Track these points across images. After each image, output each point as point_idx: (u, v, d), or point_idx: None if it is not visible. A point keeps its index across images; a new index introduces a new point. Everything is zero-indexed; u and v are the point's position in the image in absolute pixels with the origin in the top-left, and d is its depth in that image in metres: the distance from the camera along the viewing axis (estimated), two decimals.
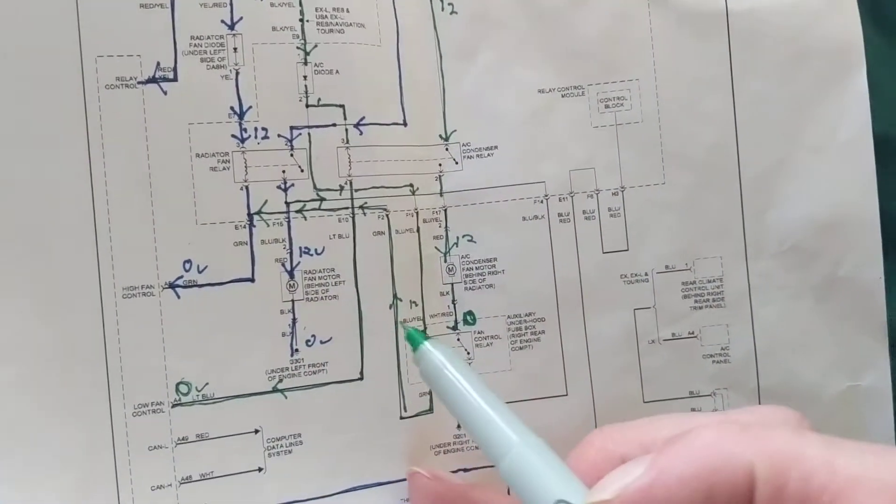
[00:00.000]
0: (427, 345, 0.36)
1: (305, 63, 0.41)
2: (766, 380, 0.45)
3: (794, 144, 0.45)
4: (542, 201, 0.45)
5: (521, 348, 0.44)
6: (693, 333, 0.45)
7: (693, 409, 0.45)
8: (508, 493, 0.39)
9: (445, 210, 0.44)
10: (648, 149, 0.45)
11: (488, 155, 0.44)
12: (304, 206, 0.41)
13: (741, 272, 0.45)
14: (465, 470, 0.44)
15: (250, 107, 0.40)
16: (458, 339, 0.44)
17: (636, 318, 0.45)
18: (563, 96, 0.45)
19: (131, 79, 0.39)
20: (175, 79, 0.39)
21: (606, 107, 0.45)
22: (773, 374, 0.45)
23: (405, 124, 0.43)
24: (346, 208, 0.42)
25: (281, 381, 0.41)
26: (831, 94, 0.44)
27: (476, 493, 0.40)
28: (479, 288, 0.44)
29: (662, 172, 0.45)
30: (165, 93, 0.39)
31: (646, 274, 0.45)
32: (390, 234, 0.42)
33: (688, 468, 0.26)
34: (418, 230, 0.43)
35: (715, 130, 0.44)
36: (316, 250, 0.41)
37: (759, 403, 0.45)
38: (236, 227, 0.40)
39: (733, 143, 0.44)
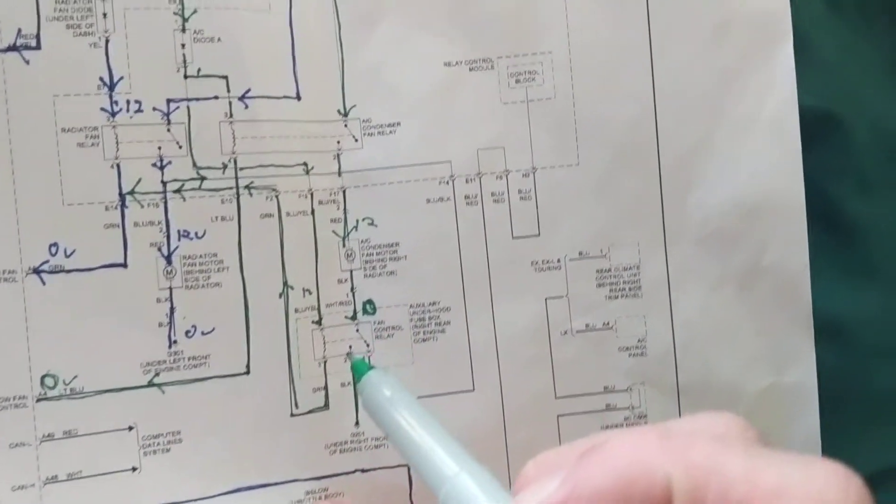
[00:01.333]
0: (372, 374, 0.35)
1: (183, 30, 0.38)
2: (685, 375, 0.42)
3: (717, 121, 0.42)
4: (447, 182, 0.42)
5: (424, 340, 0.42)
6: (608, 325, 0.42)
7: (608, 405, 0.43)
8: None
9: (344, 191, 0.41)
10: (562, 127, 0.42)
11: (390, 132, 0.41)
12: (183, 185, 0.38)
13: (659, 259, 0.42)
14: (363, 471, 0.41)
15: (122, 77, 0.37)
16: (358, 330, 0.41)
17: (548, 308, 0.42)
18: (470, 70, 0.42)
19: None
20: (38, 47, 0.36)
21: (517, 81, 0.42)
22: (692, 369, 0.42)
23: (298, 98, 0.40)
24: (230, 188, 0.39)
25: (157, 374, 0.38)
26: (757, 66, 0.42)
27: None
28: (380, 275, 0.42)
29: (577, 152, 0.42)
30: (27, 62, 0.36)
31: (558, 261, 0.42)
32: (280, 216, 0.40)
33: (603, 481, 0.25)
34: (313, 213, 0.41)
35: (632, 106, 0.42)
36: (196, 234, 0.38)
37: (679, 400, 0.43)
38: (107, 209, 0.37)
39: (652, 120, 0.42)
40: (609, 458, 0.25)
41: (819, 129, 0.43)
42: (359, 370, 0.36)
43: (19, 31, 0.36)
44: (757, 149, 0.42)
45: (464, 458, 0.30)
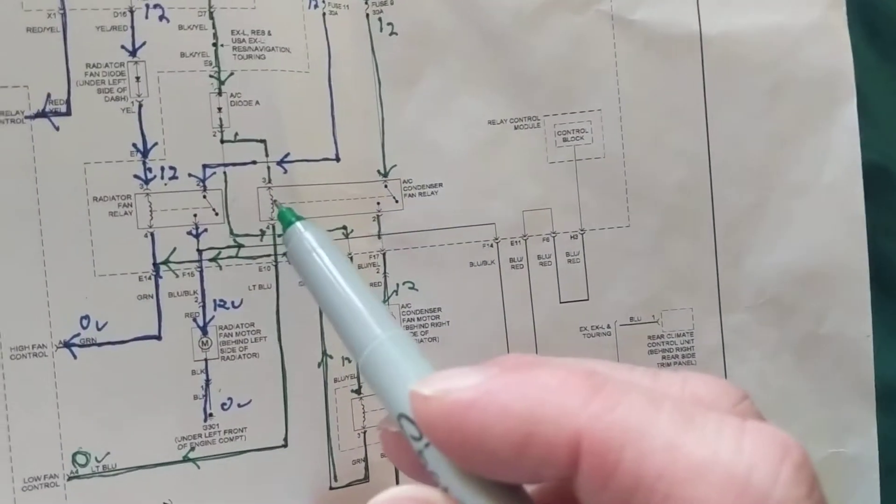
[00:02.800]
0: (299, 225, 0.31)
1: (220, 93, 0.36)
2: None
3: (774, 185, 0.40)
4: (491, 245, 0.40)
5: None
6: None
7: None
8: None
9: (384, 254, 0.40)
10: (611, 187, 0.40)
11: (432, 193, 0.40)
12: (219, 253, 0.37)
13: (714, 326, 0.40)
14: None
15: (156, 143, 0.36)
16: None
17: None
18: (515, 128, 0.40)
19: (17, 113, 0.34)
20: (68, 112, 0.35)
21: (564, 140, 0.40)
22: None
23: (338, 159, 0.38)
24: (269, 255, 0.37)
25: (193, 449, 0.36)
26: (816, 128, 0.40)
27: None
28: (422, 341, 0.40)
29: (627, 214, 0.40)
30: (57, 128, 0.35)
31: (608, 326, 0.40)
32: None
33: (513, 404, 0.23)
34: None
35: (686, 168, 0.40)
36: (233, 303, 0.37)
37: None
38: (140, 279, 0.36)
39: (706, 183, 0.40)
40: (527, 384, 0.23)
41: (875, 186, 0.41)
42: (286, 218, 0.32)
43: (48, 96, 0.34)
44: (816, 213, 0.40)
45: (389, 324, 0.28)
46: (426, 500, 0.25)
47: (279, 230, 0.36)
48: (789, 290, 0.40)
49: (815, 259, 0.40)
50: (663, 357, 0.41)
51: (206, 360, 0.37)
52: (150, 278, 0.36)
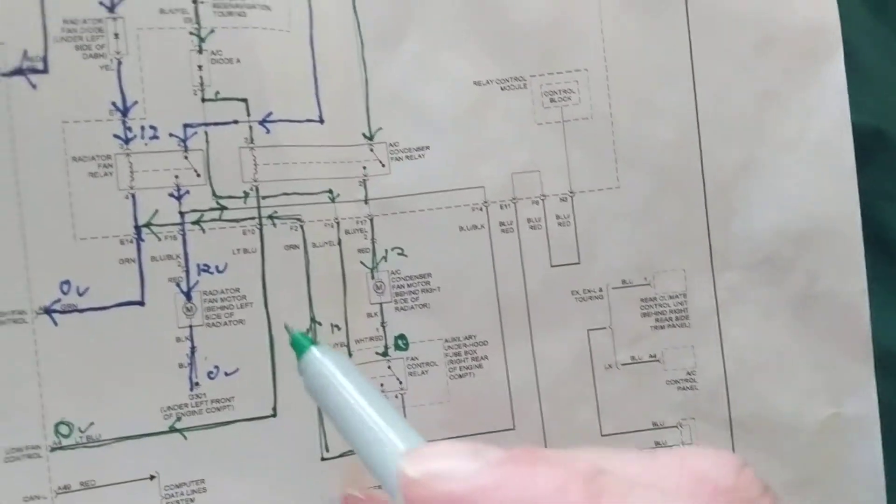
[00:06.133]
0: (315, 351, 0.29)
1: (200, 51, 0.36)
2: (737, 409, 0.40)
3: (763, 142, 0.40)
4: (481, 209, 0.39)
5: (460, 376, 0.39)
6: (655, 356, 0.40)
7: (657, 443, 0.40)
8: None
9: (371, 219, 0.39)
10: (600, 148, 0.40)
11: (419, 156, 0.39)
12: (202, 216, 0.36)
13: (707, 287, 0.40)
14: None
15: (136, 102, 0.35)
16: (389, 367, 0.39)
17: (590, 340, 0.40)
18: (502, 89, 0.40)
19: None
20: (45, 70, 0.34)
21: (552, 101, 0.40)
22: (745, 403, 0.40)
23: (321, 121, 0.38)
24: (253, 218, 0.36)
25: (179, 419, 0.35)
26: (803, 84, 0.40)
27: None
28: (412, 308, 0.39)
29: (616, 175, 0.40)
30: (34, 86, 0.34)
31: (600, 290, 0.40)
32: (306, 247, 0.37)
33: None
34: (340, 243, 0.38)
35: (674, 127, 0.39)
36: (217, 267, 0.36)
37: (732, 435, 0.40)
38: (122, 242, 0.35)
39: (695, 142, 0.39)
40: (524, 488, 0.22)
41: (868, 148, 0.40)
42: (300, 346, 0.30)
43: (25, 52, 0.34)
44: (807, 171, 0.40)
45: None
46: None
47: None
48: (782, 249, 0.40)
49: (806, 217, 0.40)
50: (656, 320, 0.40)
51: (190, 326, 0.36)
52: (131, 241, 0.35)
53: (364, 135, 0.39)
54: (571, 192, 0.40)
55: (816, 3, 0.39)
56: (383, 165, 0.39)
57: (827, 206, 0.40)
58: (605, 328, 0.40)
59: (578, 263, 0.40)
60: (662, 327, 0.40)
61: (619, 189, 0.40)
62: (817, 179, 0.40)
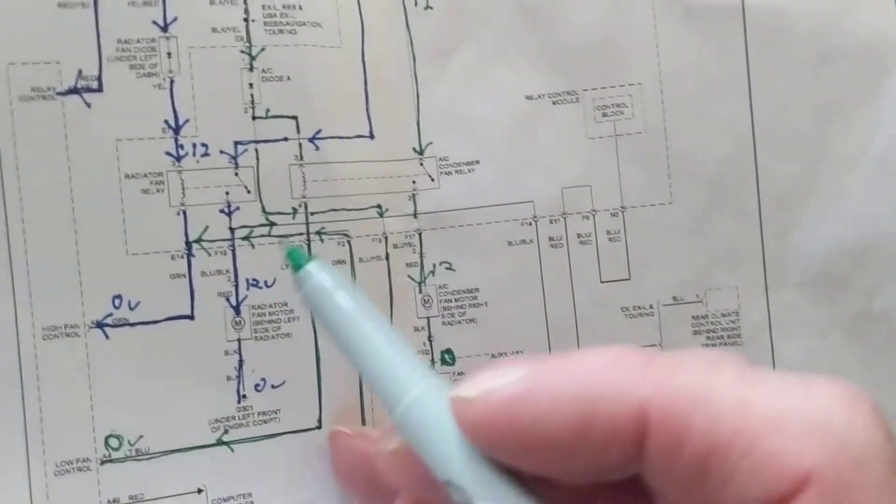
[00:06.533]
0: (311, 267, 0.28)
1: (251, 69, 0.36)
2: None
3: (821, 157, 0.39)
4: (530, 223, 0.39)
5: None
6: None
7: None
8: None
9: (420, 233, 0.39)
10: (653, 163, 0.39)
11: (469, 171, 0.39)
12: (252, 232, 0.36)
13: (760, 304, 0.39)
14: None
15: (188, 120, 0.35)
16: None
17: None
18: (554, 103, 0.39)
19: (49, 89, 0.34)
20: (100, 89, 0.34)
21: (604, 115, 0.39)
22: None
23: (371, 136, 0.38)
24: (301, 234, 0.37)
25: (227, 432, 0.36)
26: (864, 99, 0.39)
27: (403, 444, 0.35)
28: (459, 323, 0.39)
29: (669, 190, 0.39)
30: (89, 105, 0.34)
31: (650, 306, 0.39)
32: (353, 262, 0.37)
33: (566, 388, 0.22)
34: (387, 257, 0.38)
35: (729, 141, 0.39)
36: (266, 282, 0.36)
37: None
38: (172, 258, 0.35)
39: (751, 157, 0.39)
40: (578, 366, 0.23)
41: None
42: (297, 260, 0.29)
43: (80, 72, 0.34)
44: (864, 186, 0.39)
45: (425, 373, 0.26)
46: None
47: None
48: (839, 266, 0.39)
49: (865, 233, 0.39)
50: (708, 338, 0.39)
51: (238, 340, 0.36)
52: (182, 257, 0.35)
53: (414, 149, 0.39)
54: (623, 207, 0.39)
55: (878, 16, 0.38)
56: (433, 180, 0.39)
57: (887, 223, 0.39)
58: (655, 345, 0.39)
59: (629, 279, 0.39)
60: (714, 345, 0.39)
61: (671, 204, 0.39)
62: (877, 196, 0.39)
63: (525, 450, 0.23)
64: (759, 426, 0.21)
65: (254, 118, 0.36)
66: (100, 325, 0.35)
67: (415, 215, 0.39)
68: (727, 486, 0.21)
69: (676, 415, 0.21)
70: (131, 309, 0.35)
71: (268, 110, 0.36)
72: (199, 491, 0.36)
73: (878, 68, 0.39)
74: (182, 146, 0.35)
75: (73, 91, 0.34)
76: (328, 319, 0.28)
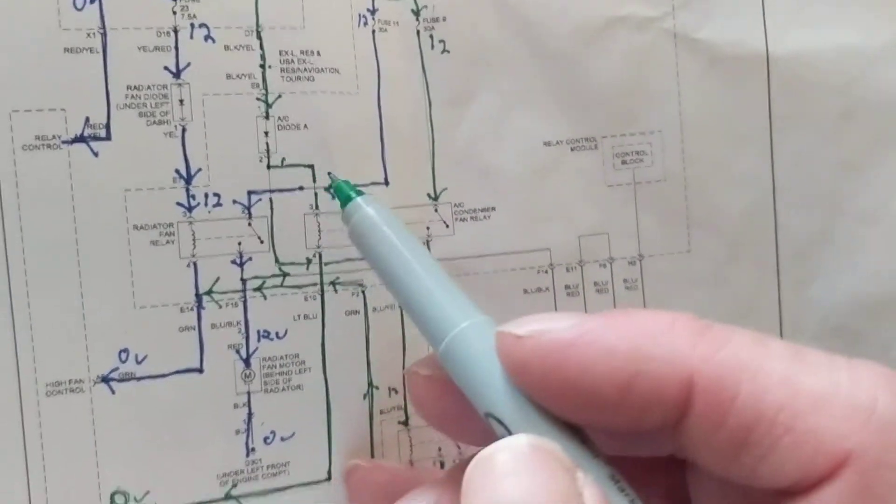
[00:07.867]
0: (360, 200, 0.29)
1: (267, 117, 0.35)
2: None
3: (840, 211, 0.39)
4: (546, 271, 0.38)
5: None
6: None
7: None
8: None
9: None
10: (672, 212, 0.39)
11: (484, 217, 0.38)
12: (264, 283, 0.35)
13: None
14: None
15: (200, 169, 0.34)
16: None
17: None
18: (572, 150, 0.38)
19: (54, 137, 0.32)
20: (108, 137, 0.33)
21: (623, 162, 0.38)
22: None
23: (386, 183, 0.37)
24: (314, 285, 0.36)
25: (235, 485, 0.35)
26: (885, 155, 0.38)
27: (420, 475, 0.36)
28: None
29: (687, 239, 0.39)
30: (96, 154, 0.33)
31: None
32: (366, 312, 0.36)
33: (619, 343, 0.23)
34: (400, 307, 0.37)
35: (749, 193, 0.38)
36: (277, 334, 0.35)
37: None
38: (182, 310, 0.34)
39: (770, 209, 0.38)
40: (631, 325, 0.23)
41: None
42: (344, 193, 0.30)
43: (87, 119, 0.33)
44: (883, 243, 0.39)
45: (472, 309, 0.27)
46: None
47: (339, 202, 0.32)
48: (856, 319, 0.39)
49: (882, 288, 0.39)
50: None
51: (248, 392, 0.35)
52: (192, 309, 0.34)
53: (429, 195, 0.38)
54: (640, 256, 0.39)
55: None
56: (447, 226, 0.38)
57: None
58: None
59: None
60: None
61: (689, 253, 0.39)
62: (894, 251, 0.39)
63: (566, 397, 0.23)
64: (803, 403, 0.21)
65: (269, 167, 0.35)
66: (105, 379, 0.33)
67: None
68: (765, 460, 0.21)
69: (723, 385, 0.22)
70: (138, 363, 0.34)
71: (283, 159, 0.35)
72: None
73: None
74: (194, 196, 0.34)
75: (80, 139, 0.33)
76: (375, 251, 0.28)
